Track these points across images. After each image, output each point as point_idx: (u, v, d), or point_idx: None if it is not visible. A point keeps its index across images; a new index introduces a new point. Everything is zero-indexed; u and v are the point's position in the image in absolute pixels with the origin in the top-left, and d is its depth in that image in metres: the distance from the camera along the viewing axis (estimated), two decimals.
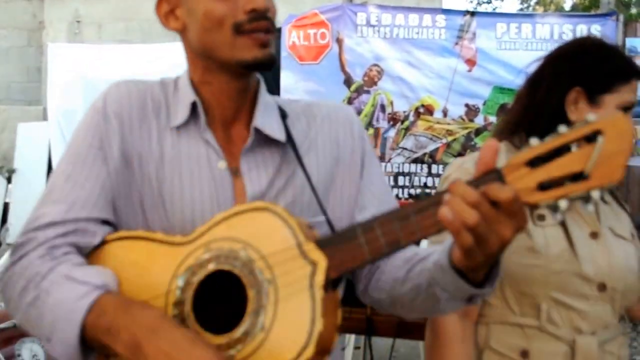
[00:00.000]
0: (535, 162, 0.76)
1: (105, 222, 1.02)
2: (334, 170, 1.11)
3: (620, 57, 1.39)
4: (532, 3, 13.44)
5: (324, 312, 0.86)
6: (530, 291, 1.32)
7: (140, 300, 0.93)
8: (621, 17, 5.46)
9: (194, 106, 1.05)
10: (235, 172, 1.05)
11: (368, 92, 5.40)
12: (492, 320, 1.37)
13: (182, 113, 1.05)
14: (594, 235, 1.35)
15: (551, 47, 5.44)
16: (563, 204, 0.75)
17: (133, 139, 1.05)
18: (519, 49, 5.32)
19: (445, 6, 6.04)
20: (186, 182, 1.03)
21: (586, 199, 0.74)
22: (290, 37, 5.43)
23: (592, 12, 7.08)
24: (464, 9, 5.55)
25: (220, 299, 0.95)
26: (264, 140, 1.06)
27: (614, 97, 1.34)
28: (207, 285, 0.92)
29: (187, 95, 1.06)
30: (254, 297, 0.88)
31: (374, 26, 5.39)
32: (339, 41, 5.39)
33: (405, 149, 5.35)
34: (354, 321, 2.33)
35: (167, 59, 5.03)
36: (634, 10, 7.03)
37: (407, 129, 5.38)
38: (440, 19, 5.37)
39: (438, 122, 5.35)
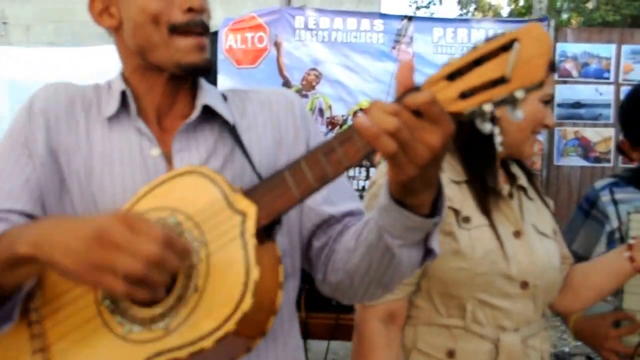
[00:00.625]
0: (454, 76, 0.75)
1: (30, 216, 0.99)
2: (276, 152, 1.08)
3: None
4: (471, 9, 13.75)
5: (259, 261, 0.82)
6: (457, 293, 1.34)
7: (69, 284, 0.89)
8: (552, 23, 5.61)
9: (124, 96, 1.04)
10: (169, 158, 1.03)
11: (306, 96, 5.36)
12: (419, 322, 1.38)
13: (112, 103, 1.04)
14: (517, 234, 1.38)
15: None
16: (488, 107, 0.73)
17: (59, 134, 1.03)
18: (455, 54, 5.37)
19: (383, 10, 6.05)
20: (117, 174, 1.01)
21: (512, 102, 0.73)
22: (227, 41, 5.33)
23: (526, 18, 7.28)
24: (402, 13, 5.57)
25: None
26: (202, 120, 1.04)
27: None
28: None
29: (118, 86, 1.05)
30: None
31: (312, 30, 5.36)
32: (277, 45, 5.33)
33: None
34: None
35: (98, 63, 4.86)
36: (565, 16, 7.26)
37: None
38: (378, 23, 5.38)
39: None
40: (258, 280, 0.81)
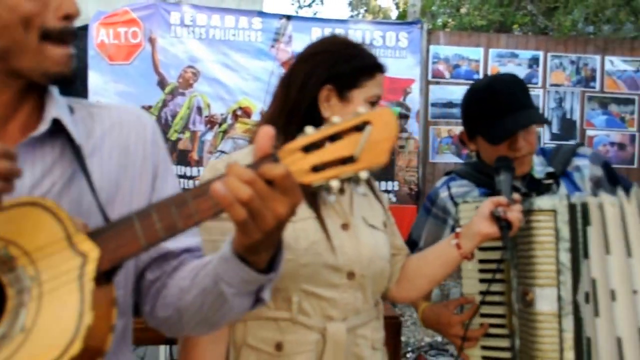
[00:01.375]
0: (309, 148, 0.81)
1: None
2: (120, 177, 1.01)
3: (364, 53, 1.45)
4: (362, 11, 14.07)
5: (95, 306, 0.80)
6: (283, 285, 1.34)
7: None
8: (425, 26, 5.83)
9: None
10: None
11: (183, 94, 5.25)
12: (249, 317, 1.37)
13: None
14: (345, 226, 1.40)
15: None
16: (334, 184, 0.80)
17: None
18: None
19: (266, 9, 6.05)
20: None
21: (356, 180, 0.80)
22: (98, 35, 5.10)
23: (402, 21, 7.54)
24: (284, 12, 5.58)
25: None
26: (45, 135, 0.94)
27: (361, 91, 1.41)
28: None
29: None
30: (14, 295, 0.80)
31: (188, 26, 5.25)
32: (152, 41, 5.17)
33: (224, 152, 5.27)
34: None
35: None
36: (440, 20, 7.61)
37: (225, 132, 5.31)
38: (257, 21, 5.37)
39: (256, 125, 5.32)
40: (90, 325, 0.79)
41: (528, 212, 1.50)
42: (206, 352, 1.34)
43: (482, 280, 1.62)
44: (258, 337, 1.37)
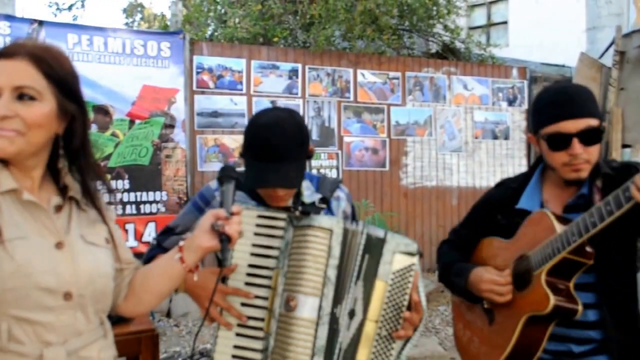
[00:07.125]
0: None
1: None
2: None
3: None
4: (137, 19, 13.71)
5: None
6: None
7: None
8: (187, 37, 5.91)
9: None
10: None
11: None
12: None
13: None
14: (60, 245, 1.34)
15: (124, 60, 5.52)
16: None
17: None
18: (93, 61, 5.33)
19: (19, 12, 5.64)
20: None
21: None
22: None
23: (162, 30, 7.54)
24: (43, 17, 5.26)
25: None
26: None
27: None
28: None
29: None
30: None
31: None
32: None
33: None
34: None
35: None
36: (209, 31, 7.74)
37: None
38: (4, 25, 5.01)
39: None
40: None
41: (308, 227, 1.62)
42: None
43: (247, 284, 1.70)
44: None
